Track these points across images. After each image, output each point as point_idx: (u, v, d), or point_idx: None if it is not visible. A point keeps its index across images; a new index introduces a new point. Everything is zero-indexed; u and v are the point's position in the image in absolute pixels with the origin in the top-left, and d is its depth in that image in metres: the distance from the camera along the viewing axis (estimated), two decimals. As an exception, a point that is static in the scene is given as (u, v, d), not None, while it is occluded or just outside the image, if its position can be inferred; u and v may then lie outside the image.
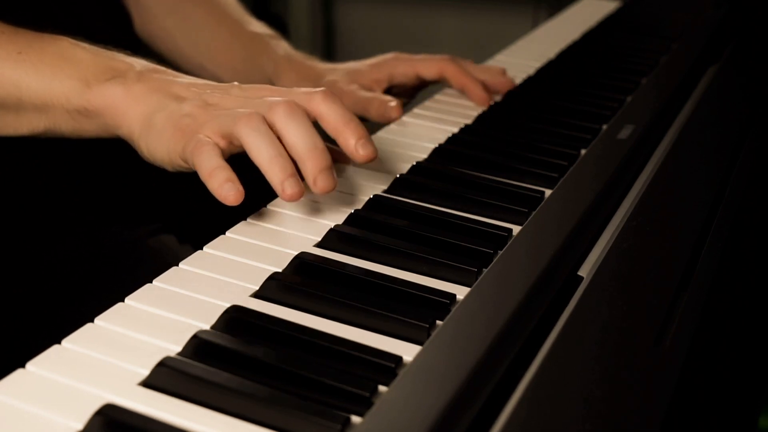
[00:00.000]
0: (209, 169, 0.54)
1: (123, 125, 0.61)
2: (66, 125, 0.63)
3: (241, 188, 0.54)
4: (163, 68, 0.64)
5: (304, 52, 0.90)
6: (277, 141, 0.56)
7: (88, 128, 0.63)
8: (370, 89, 0.84)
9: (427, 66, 0.85)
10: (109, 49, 0.64)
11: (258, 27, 0.93)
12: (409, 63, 0.85)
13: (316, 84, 0.86)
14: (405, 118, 0.81)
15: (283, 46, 0.90)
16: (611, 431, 0.40)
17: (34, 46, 0.62)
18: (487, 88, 0.86)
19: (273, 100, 0.58)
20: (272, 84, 0.88)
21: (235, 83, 0.63)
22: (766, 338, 0.59)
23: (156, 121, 0.59)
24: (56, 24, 0.81)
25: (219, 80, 0.94)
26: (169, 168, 0.60)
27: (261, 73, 0.89)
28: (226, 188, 0.54)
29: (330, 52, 2.56)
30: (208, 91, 0.61)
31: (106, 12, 0.89)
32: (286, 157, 0.55)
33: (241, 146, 0.56)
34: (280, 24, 2.52)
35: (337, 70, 0.87)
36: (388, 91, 0.87)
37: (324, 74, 0.86)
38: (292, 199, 0.55)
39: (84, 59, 0.62)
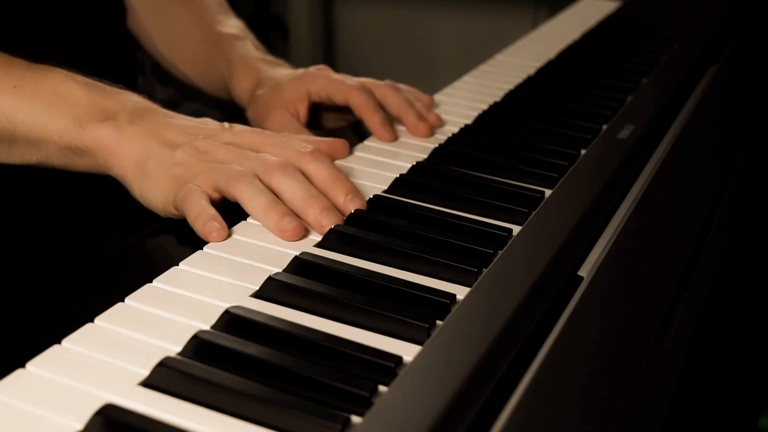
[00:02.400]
0: (196, 212, 0.57)
1: (115, 166, 0.62)
2: (58, 160, 0.65)
3: (224, 226, 0.56)
4: (154, 107, 0.64)
5: (265, 54, 0.86)
6: (270, 192, 0.58)
7: (80, 165, 0.65)
8: (293, 107, 0.78)
9: (336, 89, 0.78)
10: (102, 82, 0.65)
11: (228, 27, 0.90)
12: (324, 82, 0.78)
13: (257, 91, 0.82)
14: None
15: (242, 47, 0.86)
16: (611, 431, 0.40)
17: (29, 79, 0.63)
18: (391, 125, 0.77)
19: (267, 160, 0.60)
20: (227, 87, 0.86)
21: (226, 124, 0.64)
22: (766, 338, 0.59)
23: (149, 169, 0.61)
24: (53, 23, 0.81)
25: (186, 79, 0.93)
26: (162, 215, 0.62)
27: (218, 74, 0.88)
28: (208, 226, 0.56)
29: (330, 53, 2.56)
30: (201, 136, 0.62)
31: (102, 11, 0.89)
32: (279, 203, 0.58)
33: (232, 198, 0.59)
34: (280, 25, 2.52)
35: (269, 82, 0.81)
36: (317, 108, 0.81)
37: (262, 84, 0.82)
38: (294, 237, 0.57)
39: (77, 96, 0.63)
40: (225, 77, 0.86)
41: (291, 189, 0.59)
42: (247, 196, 0.58)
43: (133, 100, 0.64)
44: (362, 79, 0.80)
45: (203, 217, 0.56)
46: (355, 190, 0.62)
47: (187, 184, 0.59)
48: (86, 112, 0.62)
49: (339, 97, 0.78)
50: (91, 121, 0.62)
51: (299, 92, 0.78)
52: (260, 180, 0.59)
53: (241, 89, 0.84)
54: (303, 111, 0.79)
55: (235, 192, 0.58)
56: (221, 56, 0.87)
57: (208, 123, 0.64)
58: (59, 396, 0.41)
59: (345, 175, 0.62)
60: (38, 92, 0.63)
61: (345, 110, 0.81)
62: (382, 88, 0.79)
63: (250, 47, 0.87)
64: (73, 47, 0.84)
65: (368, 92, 0.77)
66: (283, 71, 0.83)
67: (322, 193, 0.61)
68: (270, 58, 0.86)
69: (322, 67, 0.81)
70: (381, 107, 0.77)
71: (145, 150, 0.61)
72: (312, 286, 0.50)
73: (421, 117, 0.77)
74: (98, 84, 0.64)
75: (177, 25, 0.93)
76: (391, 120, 0.77)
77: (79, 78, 0.64)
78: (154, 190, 0.61)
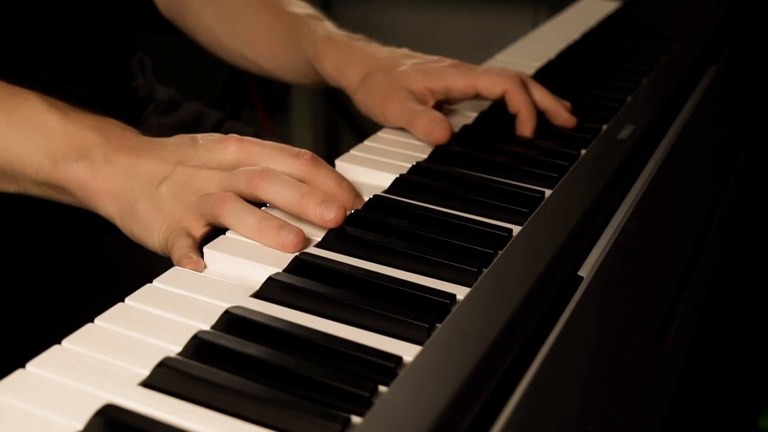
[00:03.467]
0: (177, 258, 0.56)
1: (99, 208, 0.61)
2: (37, 193, 0.63)
3: (197, 262, 0.55)
4: (129, 136, 0.62)
5: (345, 31, 0.85)
6: (256, 209, 0.57)
7: (60, 198, 0.63)
8: (422, 97, 0.77)
9: (489, 84, 0.76)
10: (80, 111, 0.63)
11: (299, 8, 0.89)
12: (470, 78, 0.76)
13: (362, 72, 0.80)
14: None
15: (324, 27, 0.85)
16: (611, 431, 0.40)
17: (4, 107, 0.62)
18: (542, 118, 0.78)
19: (246, 172, 0.58)
20: (312, 66, 0.85)
21: (198, 139, 0.61)
22: (766, 338, 0.59)
23: (139, 212, 0.59)
24: (52, 24, 0.81)
25: (261, 68, 0.91)
26: (161, 254, 0.60)
27: (301, 56, 0.85)
28: (183, 262, 0.55)
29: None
30: (178, 162, 0.60)
31: (102, 11, 0.89)
32: (270, 217, 0.57)
33: (224, 226, 0.58)
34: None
35: (389, 67, 0.79)
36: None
37: (372, 67, 0.79)
38: (296, 248, 0.56)
39: (53, 129, 0.61)
40: (309, 57, 0.84)
41: (280, 194, 0.57)
42: (237, 222, 0.57)
43: (108, 130, 0.62)
44: (509, 71, 0.78)
45: (180, 259, 0.56)
46: (356, 191, 0.62)
47: (177, 229, 0.58)
48: (60, 148, 0.60)
49: (493, 92, 0.77)
50: (65, 160, 0.60)
51: (438, 86, 0.77)
52: (245, 195, 0.58)
53: (332, 67, 0.82)
54: (431, 104, 0.77)
55: (223, 220, 0.57)
56: (303, 37, 0.85)
57: (181, 143, 0.62)
58: (59, 396, 0.41)
59: (345, 178, 0.62)
60: (12, 123, 0.61)
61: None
62: (532, 84, 0.79)
63: (331, 26, 0.85)
64: (73, 48, 0.84)
65: (526, 88, 0.77)
66: (393, 53, 0.81)
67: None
68: (356, 35, 0.84)
69: (453, 61, 0.79)
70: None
71: (128, 192, 0.60)
72: (312, 286, 0.50)
73: (569, 110, 0.79)
74: (74, 113, 0.62)
75: (242, 10, 0.91)
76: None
77: (56, 106, 0.62)
78: (149, 236, 0.59)
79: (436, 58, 0.80)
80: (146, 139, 0.62)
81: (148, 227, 0.59)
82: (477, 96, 0.78)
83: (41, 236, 0.79)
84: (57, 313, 0.69)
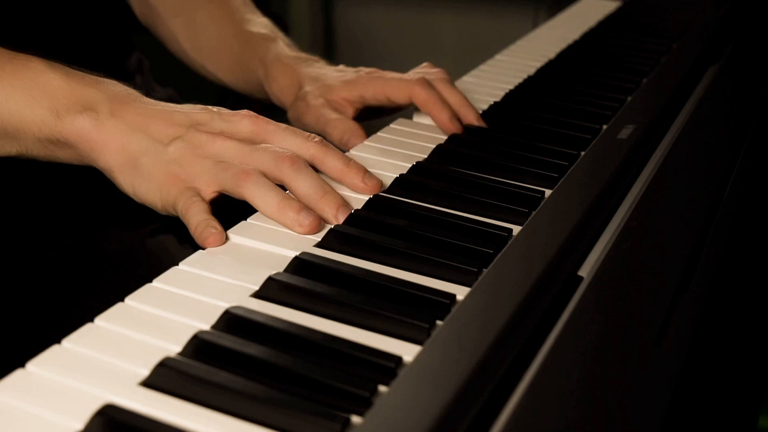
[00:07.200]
0: (195, 223, 0.57)
1: (99, 159, 0.62)
2: (38, 152, 0.64)
3: (221, 233, 0.56)
4: (135, 95, 0.63)
5: (298, 52, 0.87)
6: (279, 189, 0.58)
7: (61, 156, 0.64)
8: (340, 107, 0.79)
9: (397, 89, 0.78)
10: (83, 72, 0.64)
11: (258, 27, 0.91)
12: (381, 85, 0.78)
13: (297, 91, 0.83)
14: (405, 119, 0.81)
15: (275, 48, 0.87)
16: (611, 431, 0.40)
17: (8, 69, 0.62)
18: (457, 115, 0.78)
19: (275, 153, 0.59)
20: (262, 87, 0.87)
21: (213, 108, 0.63)
22: (766, 338, 0.59)
23: (142, 165, 0.60)
24: (49, 23, 0.81)
25: (220, 81, 0.93)
26: (160, 212, 0.61)
27: (252, 75, 0.88)
28: (206, 232, 0.56)
29: (330, 52, 2.56)
30: (190, 126, 0.61)
31: (99, 11, 0.89)
32: (291, 198, 0.58)
33: (240, 198, 0.59)
34: (280, 24, 2.52)
35: (315, 81, 0.81)
36: (363, 110, 0.81)
37: (303, 83, 0.82)
38: (312, 231, 0.57)
39: (55, 86, 0.62)
40: (260, 78, 0.86)
41: (304, 185, 0.59)
42: (258, 196, 0.58)
43: (112, 89, 0.63)
44: (418, 71, 0.81)
45: (201, 226, 0.56)
46: (366, 170, 0.63)
47: (188, 190, 0.59)
48: (64, 102, 0.61)
49: (400, 97, 0.78)
50: (69, 113, 0.61)
51: (351, 95, 0.79)
52: (268, 174, 0.59)
53: (279, 90, 0.84)
54: (350, 113, 0.79)
55: (244, 192, 0.58)
56: (254, 58, 0.87)
57: (193, 110, 0.63)
58: (59, 396, 0.41)
59: (354, 160, 0.63)
60: (16, 84, 0.62)
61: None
62: (440, 83, 0.79)
63: (282, 47, 0.87)
64: (69, 47, 0.84)
65: (430, 86, 0.78)
66: (325, 70, 0.83)
67: (338, 179, 0.63)
68: (304, 55, 0.86)
69: (371, 69, 0.81)
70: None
71: (134, 145, 0.60)
72: (312, 286, 0.50)
73: (478, 116, 0.79)
74: (77, 73, 0.64)
75: (206, 25, 0.92)
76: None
77: (59, 67, 0.63)
78: (150, 190, 0.60)
79: (368, 70, 0.81)
80: (154, 101, 0.63)
81: (149, 182, 0.60)
82: (392, 102, 0.79)
83: (40, 235, 0.79)
84: (57, 312, 0.69)
